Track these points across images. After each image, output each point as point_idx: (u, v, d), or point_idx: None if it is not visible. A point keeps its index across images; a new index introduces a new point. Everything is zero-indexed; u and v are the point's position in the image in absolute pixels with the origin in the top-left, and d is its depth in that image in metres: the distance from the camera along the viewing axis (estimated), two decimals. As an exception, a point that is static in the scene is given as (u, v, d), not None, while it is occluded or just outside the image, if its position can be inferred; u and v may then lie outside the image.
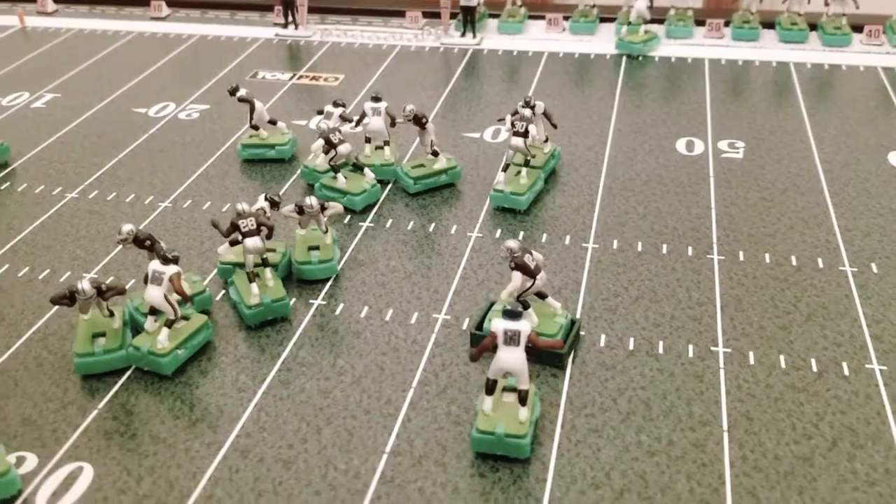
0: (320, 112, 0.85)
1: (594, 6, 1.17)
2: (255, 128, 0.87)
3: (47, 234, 0.76)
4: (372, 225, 0.76)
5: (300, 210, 0.66)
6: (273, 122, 0.88)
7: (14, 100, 1.03)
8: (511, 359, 0.50)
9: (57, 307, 0.64)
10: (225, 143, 0.91)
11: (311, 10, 1.23)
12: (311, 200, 0.66)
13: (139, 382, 0.58)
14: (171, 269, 0.58)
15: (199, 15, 1.31)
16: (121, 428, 0.55)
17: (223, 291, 0.67)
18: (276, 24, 1.24)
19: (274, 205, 0.66)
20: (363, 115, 0.82)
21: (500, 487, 0.49)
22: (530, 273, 0.57)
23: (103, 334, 0.60)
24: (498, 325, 0.50)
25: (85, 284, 0.57)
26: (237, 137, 0.92)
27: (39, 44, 1.22)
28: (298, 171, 0.84)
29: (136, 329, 0.62)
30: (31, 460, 0.52)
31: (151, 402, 0.57)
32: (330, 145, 0.77)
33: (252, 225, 0.63)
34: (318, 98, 1.03)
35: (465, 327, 0.62)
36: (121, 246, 0.64)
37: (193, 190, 0.82)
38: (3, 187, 0.84)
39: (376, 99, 0.82)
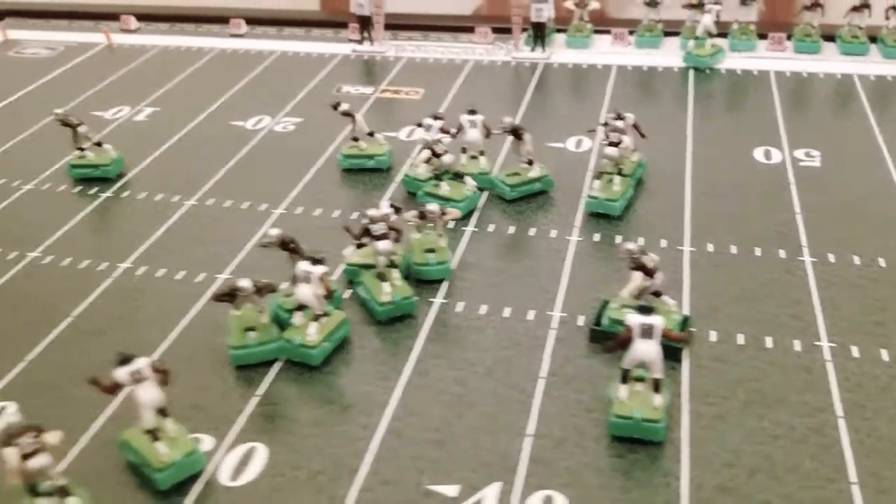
0: (419, 125, 0.90)
1: (659, 21, 1.22)
2: (356, 139, 0.93)
3: (175, 238, 0.82)
4: (476, 229, 0.81)
5: (422, 215, 0.71)
6: (371, 134, 0.94)
7: (116, 113, 1.10)
8: (647, 350, 0.55)
9: (197, 306, 0.70)
10: (323, 154, 0.97)
11: (384, 27, 1.29)
12: (433, 206, 0.72)
13: (288, 373, 0.64)
14: (320, 269, 0.63)
15: (276, 32, 1.38)
16: (281, 412, 0.60)
17: (349, 291, 0.73)
18: (350, 41, 1.30)
19: (397, 210, 0.72)
20: (460, 128, 0.88)
21: (639, 467, 0.54)
22: (649, 273, 0.62)
23: (253, 328, 0.65)
24: (633, 319, 0.55)
25: (246, 283, 0.63)
26: (335, 148, 0.98)
27: (128, 60, 1.28)
28: (399, 180, 0.90)
29: (279, 324, 0.67)
30: (208, 441, 0.57)
31: (303, 390, 0.62)
32: (435, 155, 0.83)
33: (384, 229, 0.68)
34: (403, 111, 1.08)
35: (579, 324, 0.68)
36: (265, 248, 0.69)
37: (303, 197, 0.88)
38: (124, 195, 0.90)
39: (472, 112, 0.88)
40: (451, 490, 0.53)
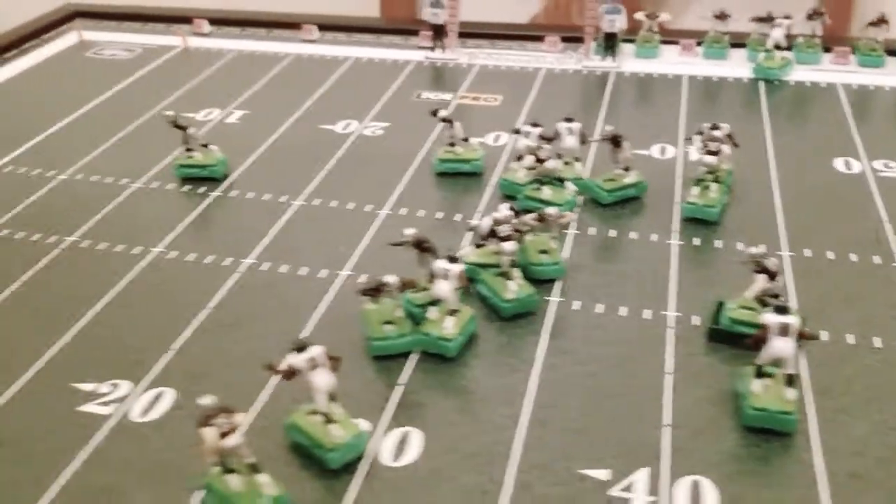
0: (517, 131, 0.94)
1: (726, 33, 1.26)
2: (452, 144, 0.97)
3: (291, 236, 0.86)
4: (578, 232, 0.85)
5: (541, 218, 0.75)
6: (466, 140, 0.98)
7: (207, 115, 1.14)
8: (783, 347, 0.59)
9: (326, 300, 0.74)
10: (415, 157, 1.01)
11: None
12: (552, 210, 0.75)
13: (424, 364, 0.68)
14: (458, 267, 0.67)
15: (346, 38, 1.42)
16: (425, 400, 0.64)
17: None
18: (421, 48, 1.34)
19: (517, 213, 0.76)
20: (557, 134, 0.92)
21: (775, 455, 0.59)
22: (772, 276, 0.66)
23: (390, 322, 0.69)
24: (770, 318, 0.59)
25: (392, 279, 0.67)
26: (426, 151, 1.02)
27: (206, 63, 1.32)
28: (493, 183, 0.94)
29: (410, 317, 0.71)
30: (363, 425, 0.61)
31: (442, 381, 0.66)
32: (539, 161, 0.87)
33: (509, 231, 0.72)
34: (483, 117, 1.12)
35: (694, 323, 0.72)
36: (396, 246, 0.72)
37: (404, 199, 0.92)
38: (232, 194, 0.94)
39: (569, 119, 0.92)
40: (602, 474, 0.57)
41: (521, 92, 1.20)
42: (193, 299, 0.76)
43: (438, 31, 1.30)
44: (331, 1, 1.72)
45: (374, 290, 0.67)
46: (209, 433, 0.52)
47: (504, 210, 0.76)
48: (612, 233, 0.85)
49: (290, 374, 0.56)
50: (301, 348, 0.57)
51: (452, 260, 0.68)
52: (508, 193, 0.91)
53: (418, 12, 1.77)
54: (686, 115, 1.10)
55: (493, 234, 0.73)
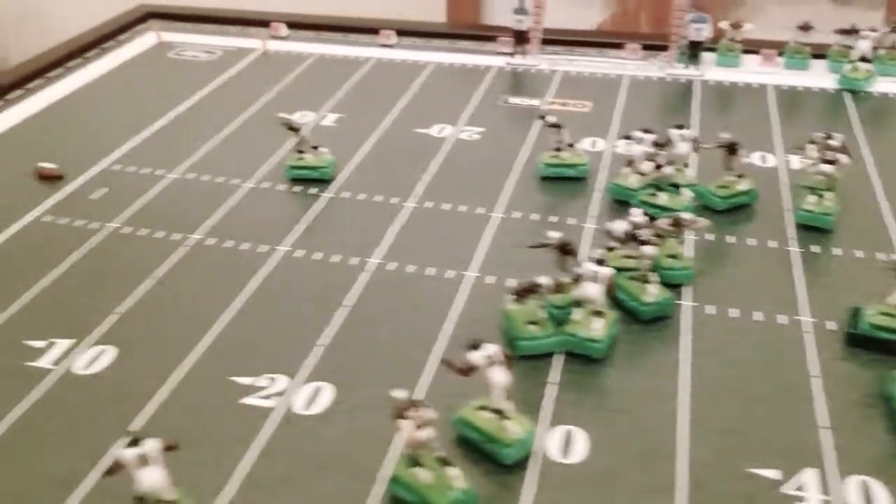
0: (628, 137, 0.96)
1: (807, 44, 1.27)
2: (559, 149, 0.98)
3: (411, 236, 0.87)
4: (697, 238, 0.87)
5: (676, 223, 0.77)
6: (571, 145, 0.99)
7: (302, 118, 1.15)
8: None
9: (458, 300, 0.76)
10: (516, 162, 1.02)
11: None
12: (686, 215, 0.77)
13: (571, 364, 0.69)
14: (607, 270, 0.69)
15: (423, 43, 1.44)
16: (581, 400, 0.66)
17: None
18: (500, 54, 1.36)
19: (652, 219, 0.77)
20: (669, 141, 0.93)
21: (939, 456, 0.60)
22: (917, 282, 0.68)
23: (534, 322, 0.71)
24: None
25: (547, 280, 0.68)
26: (527, 156, 1.03)
27: (289, 65, 1.34)
28: (600, 189, 0.96)
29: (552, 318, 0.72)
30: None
31: (591, 381, 0.68)
32: (658, 167, 0.88)
33: (649, 235, 0.74)
34: (574, 123, 1.11)
35: (830, 328, 0.73)
36: (535, 248, 0.74)
37: (515, 202, 0.93)
38: (343, 196, 0.96)
39: (680, 126, 0.93)
40: (771, 473, 0.59)
41: (609, 98, 1.21)
42: (329, 296, 0.78)
43: (521, 37, 1.32)
44: (396, 6, 1.74)
45: (527, 291, 0.69)
46: (406, 425, 0.53)
47: (638, 215, 0.77)
48: (731, 239, 0.87)
49: (469, 370, 0.58)
50: (477, 345, 0.58)
51: (600, 262, 0.69)
52: (619, 198, 0.93)
53: (484, 17, 1.80)
54: (779, 124, 1.12)
55: (632, 237, 0.74)
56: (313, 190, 0.97)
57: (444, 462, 0.55)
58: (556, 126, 0.98)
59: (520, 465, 0.60)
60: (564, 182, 0.98)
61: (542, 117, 0.99)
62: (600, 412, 0.65)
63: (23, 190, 0.97)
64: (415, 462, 0.56)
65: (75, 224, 0.90)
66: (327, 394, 0.67)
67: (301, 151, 0.99)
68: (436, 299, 0.78)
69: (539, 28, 1.30)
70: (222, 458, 0.61)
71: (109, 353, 0.71)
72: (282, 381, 0.68)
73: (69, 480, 0.59)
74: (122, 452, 0.52)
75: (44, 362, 0.70)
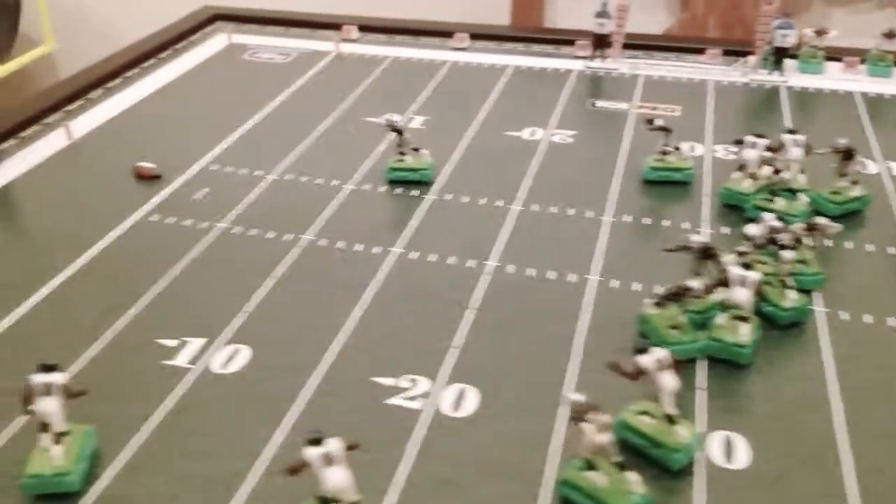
0: (739, 142, 0.95)
1: (890, 52, 1.26)
2: (665, 153, 0.98)
3: (524, 239, 0.87)
4: (811, 244, 0.86)
5: (811, 228, 0.76)
6: (677, 148, 0.98)
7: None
8: None
9: (586, 303, 0.75)
10: (616, 165, 1.01)
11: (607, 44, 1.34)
12: (822, 220, 0.76)
13: (716, 369, 0.68)
14: (755, 275, 0.68)
15: (497, 46, 1.43)
16: (735, 405, 0.65)
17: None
18: (578, 57, 1.35)
19: (786, 224, 0.76)
20: (781, 145, 0.92)
21: None
22: None
23: (675, 327, 0.70)
24: None
25: (697, 284, 0.68)
26: (626, 159, 1.02)
27: (365, 68, 1.33)
28: (709, 193, 0.95)
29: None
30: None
31: (742, 386, 0.67)
32: (776, 171, 0.87)
33: (789, 239, 0.73)
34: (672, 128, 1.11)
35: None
36: (671, 252, 0.74)
37: (622, 206, 0.93)
38: (446, 198, 0.95)
39: (792, 132, 0.93)
40: (945, 480, 0.58)
41: (697, 103, 1.20)
42: (455, 299, 0.77)
43: (601, 41, 1.32)
44: (460, 10, 1.74)
45: (677, 295, 0.68)
46: (588, 428, 0.53)
47: (772, 219, 0.77)
48: (848, 245, 0.86)
49: (638, 374, 0.57)
50: (645, 349, 0.58)
51: (747, 267, 0.69)
52: (730, 203, 0.92)
53: (546, 21, 1.79)
54: (871, 130, 1.11)
55: (770, 241, 0.74)
56: (414, 192, 0.96)
57: (622, 467, 0.55)
58: (664, 129, 0.98)
59: (685, 471, 0.59)
60: (669, 185, 0.97)
61: (650, 121, 0.98)
62: (755, 418, 0.64)
63: (124, 189, 0.97)
64: (590, 466, 0.55)
65: (184, 224, 0.90)
66: (472, 397, 0.66)
67: (402, 153, 0.99)
68: (563, 303, 0.77)
69: (622, 32, 1.29)
70: (380, 460, 0.60)
71: (244, 352, 0.71)
72: (424, 383, 0.67)
73: (228, 481, 0.59)
74: (308, 451, 0.51)
75: (180, 361, 0.70)
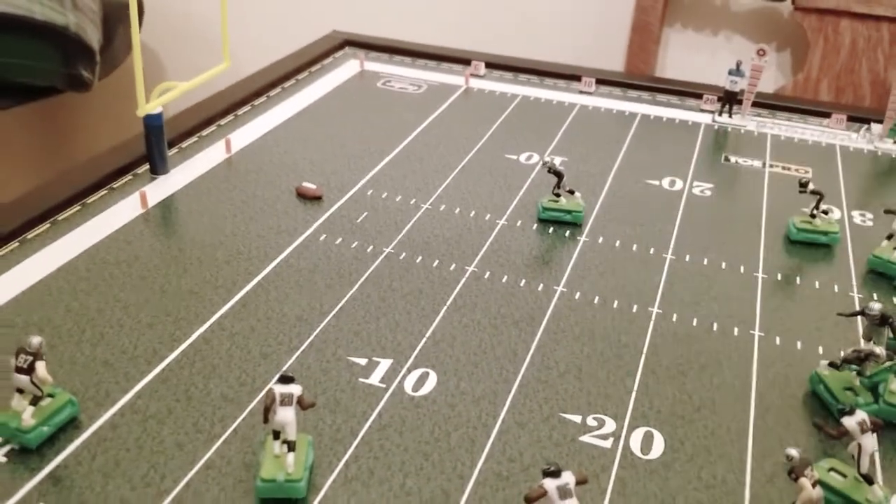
0: (890, 212, 0.97)
1: None
2: (813, 216, 1.00)
3: (680, 290, 0.89)
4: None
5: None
6: (826, 212, 1.01)
7: (528, 159, 1.19)
8: None
9: (741, 354, 0.78)
10: (760, 221, 1.04)
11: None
12: None
13: (888, 433, 0.71)
14: (936, 345, 0.71)
15: (621, 93, 1.48)
16: None
17: None
18: (703, 111, 1.39)
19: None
20: (930, 218, 0.95)
21: None
22: None
23: (849, 389, 0.72)
24: None
25: (882, 350, 0.70)
26: (765, 217, 1.05)
27: (496, 104, 1.37)
28: (855, 257, 0.97)
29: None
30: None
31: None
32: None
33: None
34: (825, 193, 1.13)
35: None
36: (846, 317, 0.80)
37: (775, 263, 0.95)
38: (599, 241, 0.98)
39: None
40: None
41: (829, 167, 1.23)
42: (625, 343, 0.81)
43: (731, 97, 1.35)
44: (576, 54, 1.79)
45: (862, 360, 0.70)
46: (806, 483, 0.55)
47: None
48: None
49: (842, 434, 0.60)
50: (852, 412, 0.60)
51: (922, 334, 0.71)
52: (879, 270, 0.95)
53: (656, 70, 1.83)
54: None
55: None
56: (566, 232, 1.01)
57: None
58: (816, 193, 1.00)
59: None
60: (813, 247, 1.00)
61: (804, 184, 1.01)
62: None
63: (289, 208, 1.02)
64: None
65: (352, 245, 0.95)
66: (658, 440, 0.69)
67: (557, 195, 1.03)
68: (733, 356, 0.80)
69: (753, 91, 1.33)
70: (582, 494, 0.62)
71: (432, 376, 0.75)
72: (610, 423, 0.70)
73: (441, 501, 0.62)
74: (546, 482, 0.55)
75: (374, 380, 0.74)
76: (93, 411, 0.69)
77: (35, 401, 0.66)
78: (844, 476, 0.64)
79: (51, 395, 0.68)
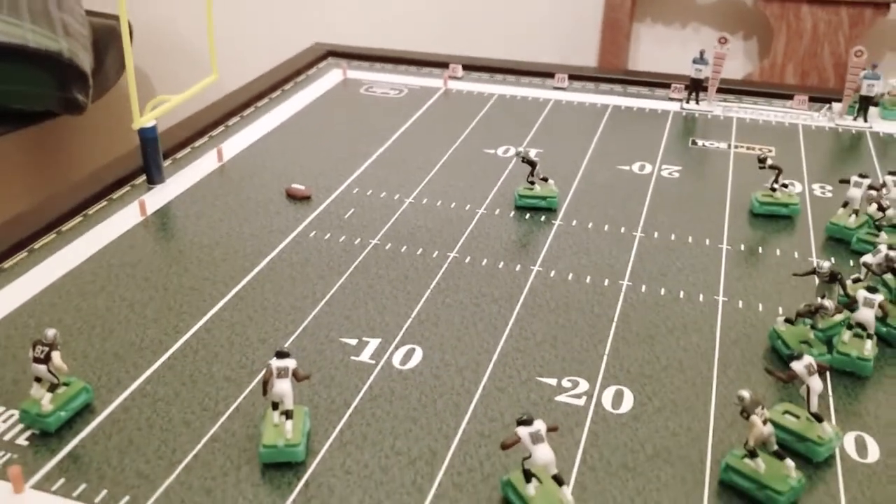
0: (845, 181, 1.03)
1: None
2: (774, 189, 1.07)
3: (651, 263, 0.95)
4: (916, 274, 0.94)
5: (920, 258, 0.84)
6: (785, 185, 1.07)
7: (505, 152, 1.25)
8: None
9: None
10: (725, 199, 1.10)
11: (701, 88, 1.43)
12: (929, 251, 0.84)
13: (843, 381, 0.76)
14: (878, 297, 0.77)
15: (594, 87, 1.54)
16: (860, 409, 0.73)
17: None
18: (672, 99, 1.45)
19: (899, 253, 0.85)
20: (884, 185, 1.01)
21: None
22: None
23: (805, 342, 0.78)
24: None
25: (829, 303, 0.76)
26: (730, 195, 1.11)
27: (474, 104, 1.44)
28: (813, 226, 1.03)
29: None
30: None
31: (866, 393, 0.75)
32: (881, 209, 0.96)
33: (910, 268, 0.81)
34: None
35: None
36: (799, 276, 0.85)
37: (738, 235, 1.01)
38: (573, 223, 1.04)
39: (893, 172, 1.01)
40: None
41: (790, 145, 1.29)
42: (598, 312, 0.86)
43: (696, 85, 1.41)
44: (550, 52, 1.85)
45: (811, 313, 0.76)
46: (757, 421, 0.61)
47: (886, 250, 0.85)
48: (951, 275, 0.94)
49: (792, 377, 0.66)
50: (799, 356, 0.66)
51: (872, 290, 0.77)
52: (836, 236, 1.01)
53: (628, 63, 1.90)
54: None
55: (889, 269, 0.82)
56: (541, 217, 1.07)
57: (779, 456, 0.63)
58: (774, 168, 1.07)
59: (827, 463, 0.67)
60: (775, 219, 1.06)
61: (762, 160, 1.08)
62: (880, 421, 0.72)
63: (280, 208, 1.08)
64: (752, 454, 0.63)
65: (339, 239, 1.01)
66: (629, 396, 0.75)
67: (532, 182, 1.09)
68: (696, 319, 0.86)
69: (717, 78, 1.39)
70: (556, 447, 0.68)
71: (418, 352, 0.81)
72: (584, 384, 0.76)
73: (429, 458, 0.68)
74: (519, 429, 0.60)
75: (365, 357, 0.80)
76: (106, 397, 0.75)
77: (52, 388, 0.72)
78: (798, 417, 0.70)
79: (66, 384, 0.74)
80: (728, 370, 0.79)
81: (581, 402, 0.74)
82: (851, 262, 0.97)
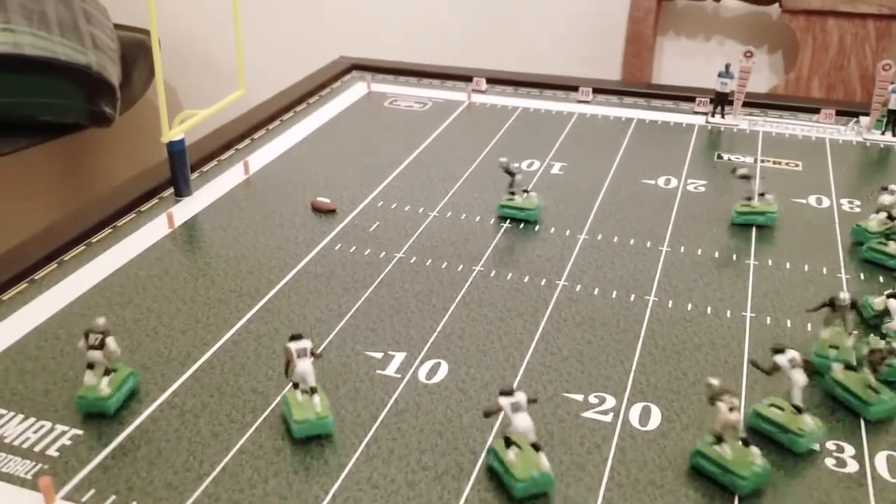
0: (885, 189, 1.03)
1: None
2: (749, 199, 1.07)
3: (676, 279, 0.95)
4: (948, 291, 0.93)
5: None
6: (762, 195, 1.08)
7: (531, 166, 1.26)
8: None
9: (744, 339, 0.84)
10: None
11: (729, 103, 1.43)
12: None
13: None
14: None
15: (618, 100, 1.54)
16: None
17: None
18: (696, 113, 1.45)
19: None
20: (898, 194, 1.00)
21: None
22: None
23: (834, 346, 0.79)
24: None
25: (845, 295, 0.77)
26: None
27: (498, 117, 1.45)
28: (840, 230, 1.03)
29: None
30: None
31: None
32: (890, 218, 0.95)
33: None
34: (792, 180, 1.21)
35: None
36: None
37: (764, 250, 1.01)
38: (598, 238, 1.04)
39: (913, 185, 1.01)
40: None
41: (818, 160, 1.28)
42: (624, 327, 0.86)
43: (722, 99, 1.41)
44: (574, 66, 1.86)
45: (829, 305, 0.78)
46: (722, 407, 0.63)
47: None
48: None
49: (774, 370, 0.68)
50: (782, 349, 0.68)
51: (892, 296, 0.77)
52: (858, 240, 1.02)
53: (652, 77, 1.89)
54: None
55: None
56: (566, 231, 1.06)
57: (746, 442, 0.65)
58: (745, 178, 1.08)
59: (857, 482, 0.67)
60: (805, 234, 1.05)
61: (734, 170, 1.09)
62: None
63: (306, 221, 1.09)
64: (719, 440, 0.65)
65: (364, 252, 1.01)
66: (656, 413, 0.75)
67: (513, 193, 1.09)
68: (724, 336, 0.85)
69: (743, 91, 1.38)
70: (584, 463, 0.69)
71: (444, 366, 0.81)
72: (610, 400, 0.76)
73: (455, 473, 0.68)
74: (501, 399, 0.64)
75: (390, 371, 0.80)
76: (135, 408, 0.76)
77: (107, 372, 0.75)
78: (782, 409, 0.71)
79: (114, 370, 0.77)
80: (756, 386, 0.78)
81: (608, 418, 0.74)
82: (881, 279, 0.97)
